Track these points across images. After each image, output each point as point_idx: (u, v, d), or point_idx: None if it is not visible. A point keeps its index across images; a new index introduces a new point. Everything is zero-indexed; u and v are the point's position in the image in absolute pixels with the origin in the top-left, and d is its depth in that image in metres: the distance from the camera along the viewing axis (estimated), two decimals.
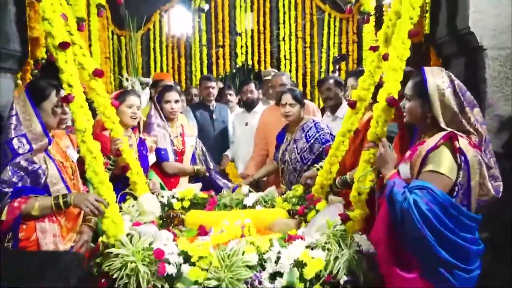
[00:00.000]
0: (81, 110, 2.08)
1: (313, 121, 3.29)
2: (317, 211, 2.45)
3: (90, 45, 5.05)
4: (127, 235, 2.02)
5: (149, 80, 5.35)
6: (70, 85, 2.04)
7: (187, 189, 2.84)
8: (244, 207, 2.75)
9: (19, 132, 1.97)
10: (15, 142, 1.95)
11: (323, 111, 4.24)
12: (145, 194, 2.57)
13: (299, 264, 1.91)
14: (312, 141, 3.18)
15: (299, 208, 2.64)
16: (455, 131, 1.76)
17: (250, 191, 2.93)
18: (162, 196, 2.75)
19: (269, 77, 4.86)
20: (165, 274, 1.85)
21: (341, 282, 1.89)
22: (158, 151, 3.09)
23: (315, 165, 2.92)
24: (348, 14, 5.79)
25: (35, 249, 1.90)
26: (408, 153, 1.90)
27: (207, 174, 3.35)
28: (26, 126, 1.99)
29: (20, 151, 1.95)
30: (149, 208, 2.46)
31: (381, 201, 1.89)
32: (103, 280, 1.89)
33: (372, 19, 5.50)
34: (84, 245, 2.06)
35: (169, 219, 2.59)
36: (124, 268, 1.86)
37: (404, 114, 1.93)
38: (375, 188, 2.09)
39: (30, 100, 2.02)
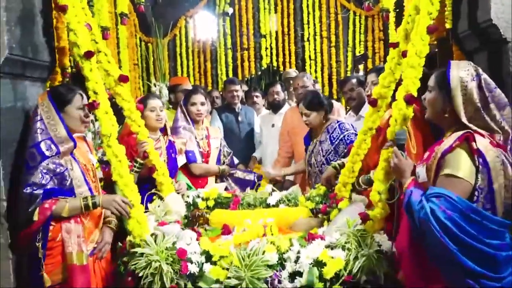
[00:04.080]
0: (106, 116, 2.19)
1: (338, 121, 3.21)
2: (339, 210, 2.47)
3: (118, 53, 5.20)
4: (152, 235, 2.11)
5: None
6: (95, 92, 2.16)
7: (212, 188, 2.93)
8: (268, 206, 2.80)
9: (45, 136, 2.03)
10: (42, 145, 2.01)
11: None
12: (170, 194, 2.66)
13: (319, 264, 1.92)
14: (336, 142, 3.11)
15: (322, 206, 2.66)
16: (474, 130, 1.67)
17: (273, 190, 2.96)
18: (188, 196, 2.84)
19: (289, 76, 4.85)
20: (187, 273, 1.94)
21: (361, 282, 1.88)
22: (186, 153, 3.15)
23: (332, 162, 2.91)
24: (367, 11, 5.71)
25: (60, 249, 1.96)
26: (426, 154, 1.82)
27: (232, 172, 3.39)
28: (52, 130, 2.05)
29: (48, 153, 2.01)
30: (175, 208, 2.55)
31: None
32: (129, 279, 1.99)
33: (392, 15, 5.40)
34: (105, 247, 2.12)
35: (194, 219, 2.68)
36: (148, 267, 1.95)
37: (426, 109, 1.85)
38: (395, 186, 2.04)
39: (53, 105, 2.09)
